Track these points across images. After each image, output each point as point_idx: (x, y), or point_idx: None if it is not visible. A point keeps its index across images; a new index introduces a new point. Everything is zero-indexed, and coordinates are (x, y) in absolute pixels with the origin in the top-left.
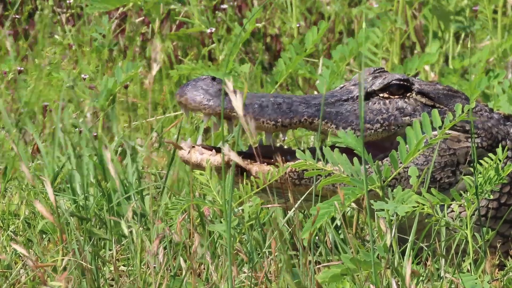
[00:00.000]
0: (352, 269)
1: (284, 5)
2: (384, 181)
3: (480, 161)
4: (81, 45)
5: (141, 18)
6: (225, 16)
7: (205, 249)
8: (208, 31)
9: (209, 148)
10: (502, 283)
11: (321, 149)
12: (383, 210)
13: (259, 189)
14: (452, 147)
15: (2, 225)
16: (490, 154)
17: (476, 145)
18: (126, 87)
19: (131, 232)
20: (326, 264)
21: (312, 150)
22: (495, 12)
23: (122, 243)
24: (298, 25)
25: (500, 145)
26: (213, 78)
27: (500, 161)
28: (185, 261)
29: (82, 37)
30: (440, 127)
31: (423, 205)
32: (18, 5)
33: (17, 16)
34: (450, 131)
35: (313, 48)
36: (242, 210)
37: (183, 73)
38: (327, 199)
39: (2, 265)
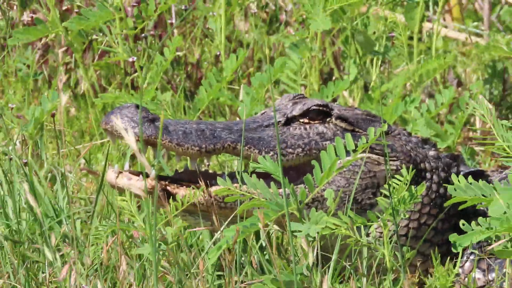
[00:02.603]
0: None
1: (206, 33)
2: (300, 203)
3: (392, 182)
4: (6, 75)
5: (63, 49)
6: (146, 45)
7: (130, 270)
8: (130, 59)
9: (137, 174)
10: None
11: (240, 174)
12: (300, 231)
13: (182, 208)
14: (373, 169)
15: None
16: (398, 176)
17: (395, 167)
18: (53, 115)
19: (62, 255)
20: (249, 282)
21: (235, 175)
22: (410, 38)
23: (54, 266)
24: (218, 53)
25: (419, 167)
26: (137, 106)
27: (408, 181)
28: (115, 283)
29: (7, 67)
30: (354, 150)
31: (340, 226)
32: None
33: None
34: (370, 155)
35: (233, 76)
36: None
37: (107, 102)
38: None
39: None
